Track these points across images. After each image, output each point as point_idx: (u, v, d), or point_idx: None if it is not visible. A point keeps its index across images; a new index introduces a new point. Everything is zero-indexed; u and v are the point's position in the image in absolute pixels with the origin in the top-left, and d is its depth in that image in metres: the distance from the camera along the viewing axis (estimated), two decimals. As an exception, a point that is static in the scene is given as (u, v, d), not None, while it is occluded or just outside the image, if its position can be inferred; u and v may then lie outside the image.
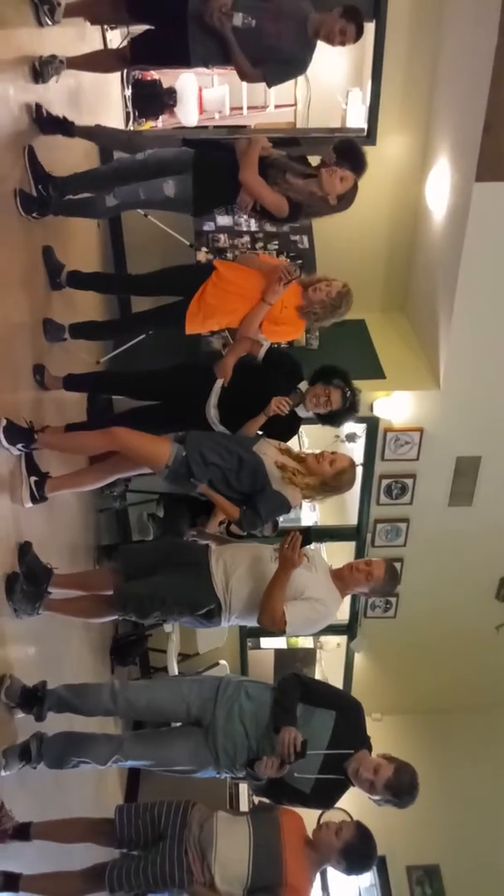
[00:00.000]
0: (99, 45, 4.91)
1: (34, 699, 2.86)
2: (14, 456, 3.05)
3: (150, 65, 5.10)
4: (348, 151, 3.47)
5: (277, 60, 3.56)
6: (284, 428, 3.55)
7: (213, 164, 3.52)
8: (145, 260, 5.42)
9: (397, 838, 5.58)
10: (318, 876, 2.80)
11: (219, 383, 3.56)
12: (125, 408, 3.97)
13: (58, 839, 2.93)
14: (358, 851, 2.70)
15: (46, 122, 3.41)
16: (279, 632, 2.99)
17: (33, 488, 3.14)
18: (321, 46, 3.57)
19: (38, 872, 2.81)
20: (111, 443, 3.26)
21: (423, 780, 2.79)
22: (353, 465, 3.37)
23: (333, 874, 3.02)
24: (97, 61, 4.05)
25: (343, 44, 3.48)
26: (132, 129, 6.10)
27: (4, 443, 2.91)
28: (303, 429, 6.43)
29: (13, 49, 3.18)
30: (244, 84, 6.60)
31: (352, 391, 3.45)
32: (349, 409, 3.47)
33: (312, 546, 3.26)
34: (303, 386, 3.57)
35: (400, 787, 2.74)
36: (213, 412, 3.56)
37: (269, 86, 3.87)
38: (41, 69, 3.38)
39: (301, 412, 3.57)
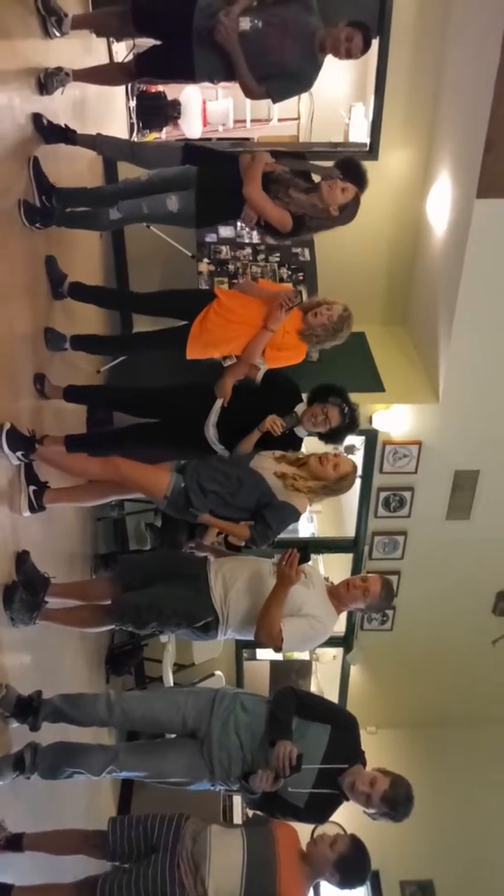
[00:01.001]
0: (104, 58, 4.95)
1: (29, 709, 2.85)
2: (13, 465, 3.06)
3: (156, 79, 5.13)
4: (350, 169, 3.48)
5: (282, 76, 3.54)
6: (283, 447, 3.50)
7: (216, 180, 3.53)
8: (147, 270, 5.46)
9: (391, 853, 5.53)
10: (311, 890, 2.79)
11: (218, 403, 3.56)
12: (125, 420, 3.97)
13: (50, 851, 2.92)
14: (352, 864, 2.69)
15: (48, 132, 3.41)
16: (275, 648, 2.98)
17: (32, 497, 3.14)
18: (326, 61, 3.54)
19: (29, 884, 2.79)
20: (111, 473, 3.28)
21: (417, 795, 2.78)
22: (355, 469, 3.38)
23: (327, 889, 3.00)
24: (103, 74, 4.07)
25: (349, 53, 3.39)
26: (136, 139, 6.14)
27: (6, 448, 2.90)
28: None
29: (20, 60, 3.21)
30: (248, 97, 6.65)
31: (349, 407, 3.42)
32: (349, 424, 3.44)
33: (310, 562, 3.26)
34: (302, 406, 3.54)
35: (396, 799, 2.73)
36: (212, 432, 3.56)
37: (274, 102, 3.86)
38: (45, 81, 3.41)
39: (300, 433, 3.54)
